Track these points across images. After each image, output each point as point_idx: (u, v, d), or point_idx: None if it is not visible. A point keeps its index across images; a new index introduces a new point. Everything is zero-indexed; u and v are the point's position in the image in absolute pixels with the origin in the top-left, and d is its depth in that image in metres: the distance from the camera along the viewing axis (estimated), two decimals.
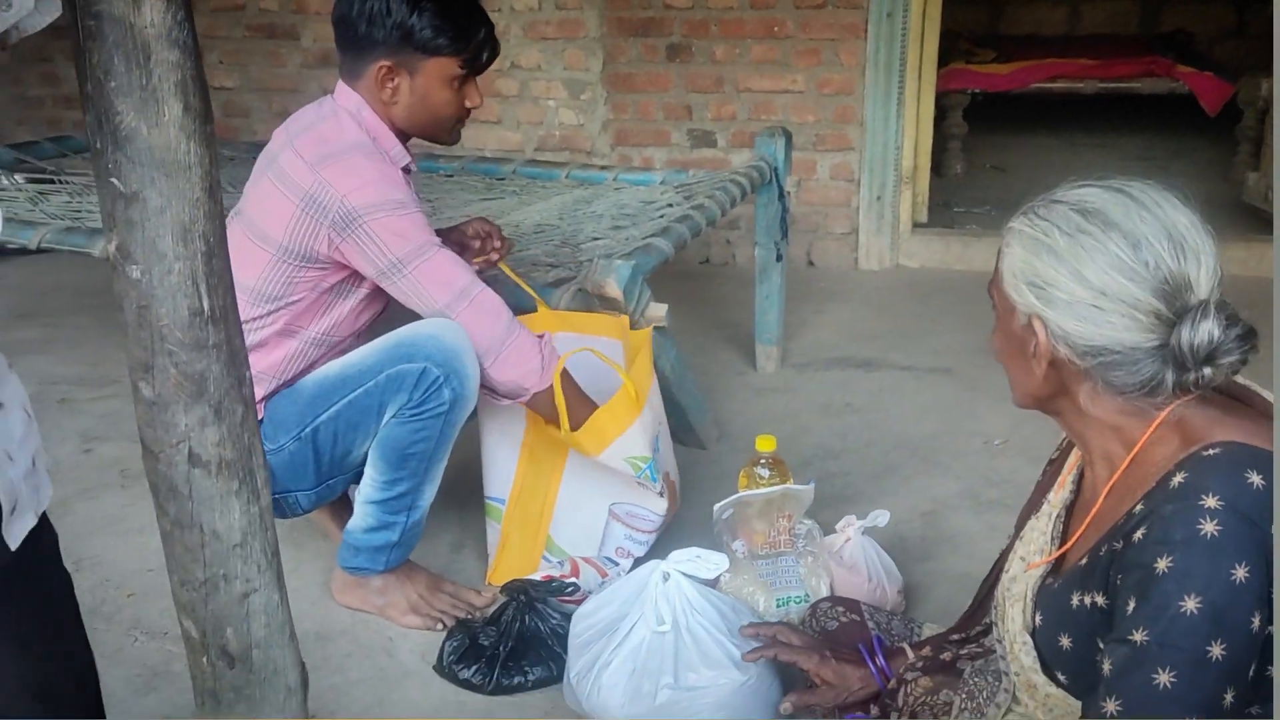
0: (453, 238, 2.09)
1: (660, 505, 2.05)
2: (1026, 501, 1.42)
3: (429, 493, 1.94)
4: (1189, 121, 5.33)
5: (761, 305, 3.03)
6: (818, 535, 1.94)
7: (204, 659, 1.17)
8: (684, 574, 1.69)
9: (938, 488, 2.46)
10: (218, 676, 1.18)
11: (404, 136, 1.93)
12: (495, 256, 2.09)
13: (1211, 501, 1.03)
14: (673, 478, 2.15)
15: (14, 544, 1.04)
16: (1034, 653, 1.24)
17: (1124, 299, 1.10)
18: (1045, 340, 1.15)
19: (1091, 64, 5.15)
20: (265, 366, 1.87)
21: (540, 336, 1.90)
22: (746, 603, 1.83)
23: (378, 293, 1.94)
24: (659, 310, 2.22)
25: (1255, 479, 1.04)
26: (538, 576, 1.96)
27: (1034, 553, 1.30)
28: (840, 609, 1.72)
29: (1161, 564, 1.04)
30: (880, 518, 1.96)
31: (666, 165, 3.87)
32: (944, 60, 4.26)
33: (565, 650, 1.81)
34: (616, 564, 2.07)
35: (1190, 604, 1.02)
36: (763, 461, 2.00)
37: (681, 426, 2.50)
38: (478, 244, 2.09)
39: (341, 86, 1.90)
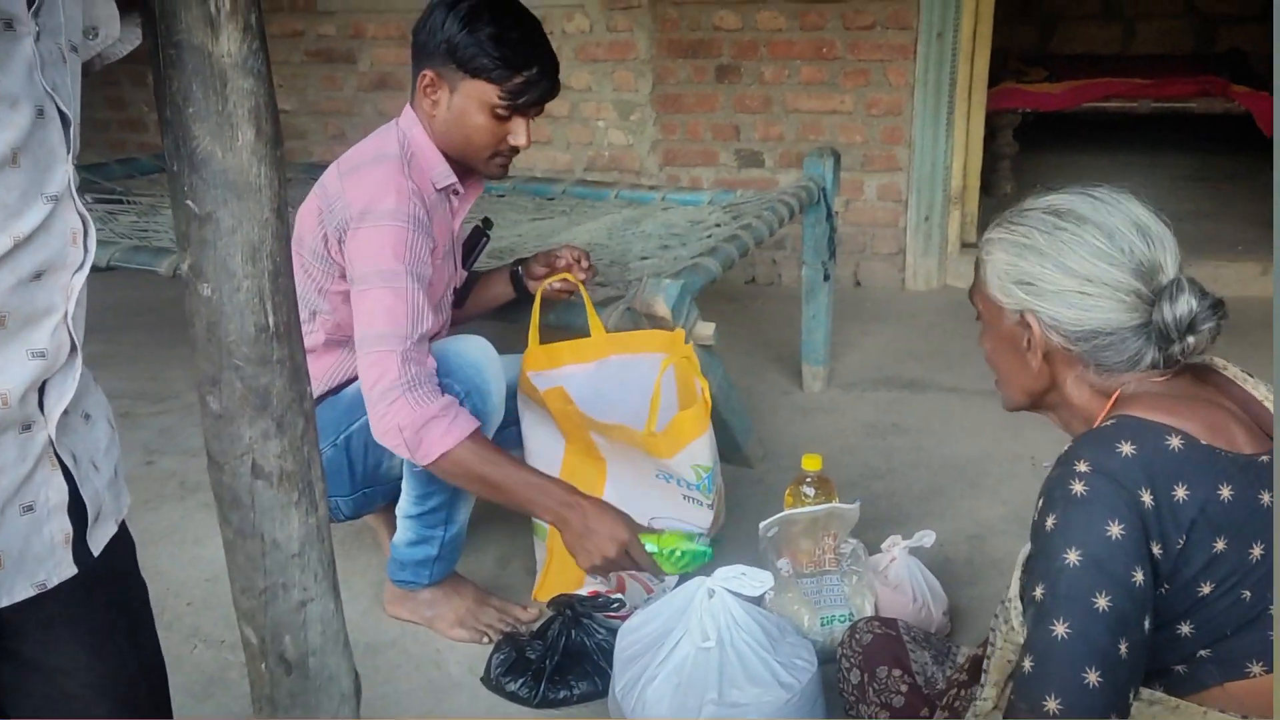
0: (540, 259, 2.11)
1: (705, 518, 2.06)
2: None
3: (464, 507, 1.97)
4: (1245, 142, 5.26)
5: (808, 325, 3.04)
6: (863, 554, 1.94)
7: (262, 665, 1.20)
8: (729, 590, 1.70)
9: (984, 511, 2.45)
10: (275, 682, 1.21)
11: (450, 159, 1.90)
12: (583, 276, 2.09)
13: (1082, 465, 1.14)
14: (722, 495, 2.17)
15: (96, 550, 1.08)
16: (1022, 617, 1.28)
17: (1108, 282, 1.20)
18: (1039, 331, 1.25)
19: (1145, 83, 5.10)
20: (314, 374, 1.91)
21: (443, 404, 1.72)
22: (791, 621, 1.84)
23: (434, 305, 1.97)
24: (707, 329, 2.24)
25: (1126, 448, 1.14)
26: (584, 592, 1.98)
27: None
28: (876, 623, 1.74)
29: (1049, 521, 1.15)
30: (926, 538, 1.96)
31: (714, 185, 3.90)
32: (994, 79, 4.25)
33: (610, 665, 1.83)
34: (662, 579, 2.08)
35: (1072, 556, 1.11)
36: (808, 480, 2.00)
37: (727, 445, 2.52)
38: (564, 263, 2.09)
39: (406, 106, 1.92)
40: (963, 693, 1.48)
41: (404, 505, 1.94)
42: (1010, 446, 2.71)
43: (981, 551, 2.28)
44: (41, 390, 0.99)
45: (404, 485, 1.93)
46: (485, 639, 1.99)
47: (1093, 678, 1.08)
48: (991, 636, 1.40)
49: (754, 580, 1.71)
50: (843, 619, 1.88)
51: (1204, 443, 1.15)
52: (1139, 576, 1.10)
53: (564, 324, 2.21)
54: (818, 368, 3.09)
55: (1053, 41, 6.48)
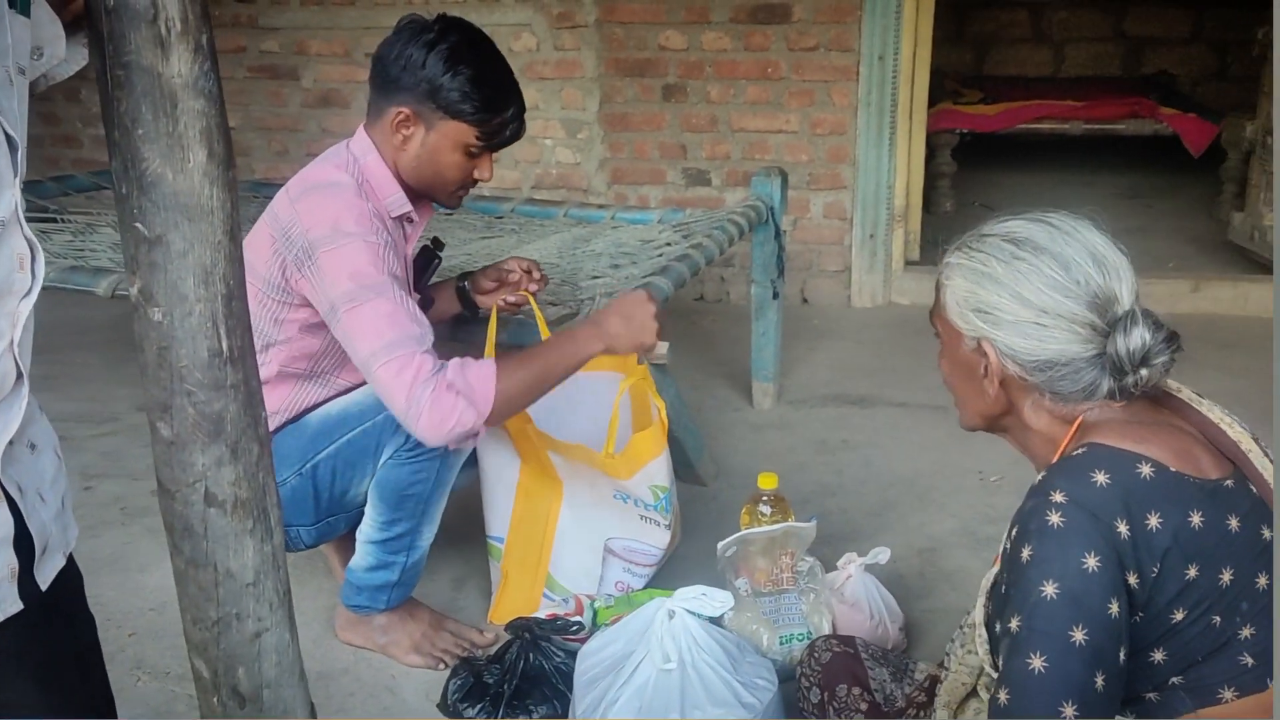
0: (490, 273, 2.11)
1: (662, 538, 2.06)
2: None
3: (428, 533, 1.95)
4: (1174, 161, 5.42)
5: (758, 342, 3.06)
6: (819, 573, 1.95)
7: (214, 699, 1.17)
8: (689, 611, 1.70)
9: (935, 525, 2.48)
10: (228, 717, 1.18)
11: (407, 188, 1.89)
12: (534, 288, 2.10)
13: (1058, 496, 1.13)
14: (678, 512, 2.17)
15: (44, 584, 1.05)
16: (986, 644, 1.29)
17: (1063, 314, 1.20)
18: (996, 360, 1.25)
19: (1077, 105, 5.24)
20: (270, 405, 1.88)
21: (447, 366, 1.70)
22: (750, 640, 1.84)
23: None
24: (661, 348, 2.23)
25: (1100, 477, 1.13)
26: (542, 614, 1.97)
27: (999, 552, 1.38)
28: (834, 642, 1.75)
29: (1025, 553, 1.13)
30: (881, 555, 1.98)
31: (661, 204, 3.91)
32: (932, 101, 4.33)
33: (569, 688, 1.81)
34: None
35: (1049, 589, 1.10)
36: (765, 499, 2.01)
37: (680, 463, 2.52)
38: (516, 277, 2.10)
39: (359, 132, 1.89)
40: (921, 713, 1.49)
41: (367, 530, 1.91)
42: (959, 461, 2.75)
43: (934, 565, 2.31)
44: None
45: (369, 511, 1.91)
46: (441, 665, 1.97)
47: (1069, 711, 1.08)
48: (946, 660, 1.41)
49: (714, 600, 1.71)
50: (801, 637, 1.88)
51: (1173, 469, 1.16)
52: (1115, 608, 1.10)
53: (517, 342, 2.19)
54: (767, 384, 3.11)
55: (986, 64, 6.62)
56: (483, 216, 3.19)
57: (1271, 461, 1.23)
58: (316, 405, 1.94)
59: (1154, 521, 1.12)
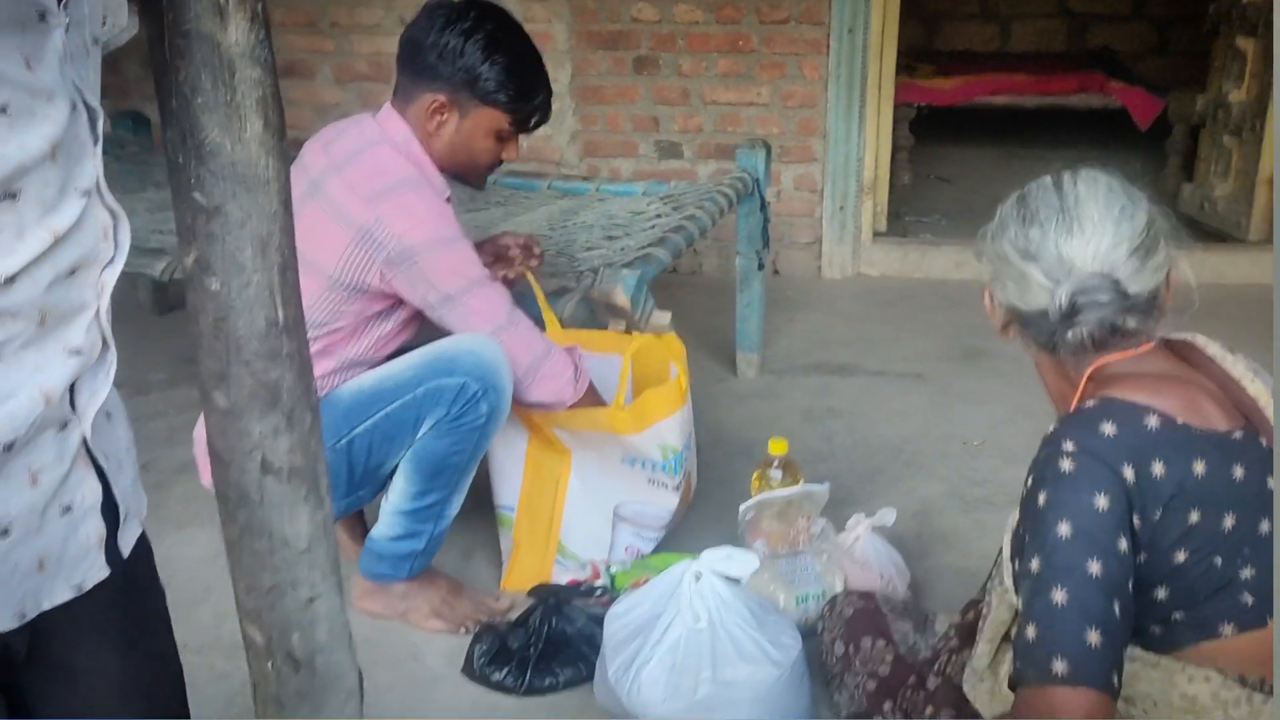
0: (487, 248, 2.12)
1: (672, 501, 2.10)
2: None
3: (457, 503, 1.98)
4: (1120, 136, 5.57)
5: (742, 313, 3.10)
6: (831, 534, 2.01)
7: (268, 664, 1.18)
8: (716, 573, 1.75)
9: (924, 488, 2.55)
10: (282, 681, 1.19)
11: (439, 170, 1.94)
12: (535, 264, 2.14)
13: (1068, 445, 1.22)
14: (692, 480, 2.21)
15: (126, 551, 1.06)
16: (1013, 577, 1.35)
17: (1016, 270, 1.32)
18: (989, 304, 1.42)
19: (1029, 79, 5.35)
20: None
21: (570, 349, 1.95)
22: (769, 599, 1.90)
23: (415, 315, 1.96)
24: (663, 317, 2.28)
25: (1108, 428, 1.22)
26: (563, 581, 2.00)
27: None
28: (856, 596, 1.81)
29: (1041, 498, 1.22)
30: (888, 516, 2.05)
31: (634, 176, 3.93)
32: None
33: (593, 651, 1.85)
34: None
35: (1064, 529, 1.19)
36: (776, 464, 2.06)
37: None
38: (514, 253, 2.13)
39: (389, 111, 1.90)
40: (954, 658, 1.55)
41: (396, 501, 1.93)
42: (941, 427, 2.83)
43: (928, 526, 2.38)
44: (71, 389, 0.96)
45: (399, 482, 1.92)
46: (463, 630, 1.99)
47: (1094, 638, 1.15)
48: (987, 597, 1.48)
49: (740, 561, 1.76)
50: (816, 597, 1.94)
51: (1180, 421, 1.23)
52: (1123, 544, 1.19)
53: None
54: (751, 355, 3.16)
55: (937, 39, 6.72)
56: (466, 190, 3.17)
57: None
58: (345, 380, 1.93)
59: (1158, 469, 1.20)
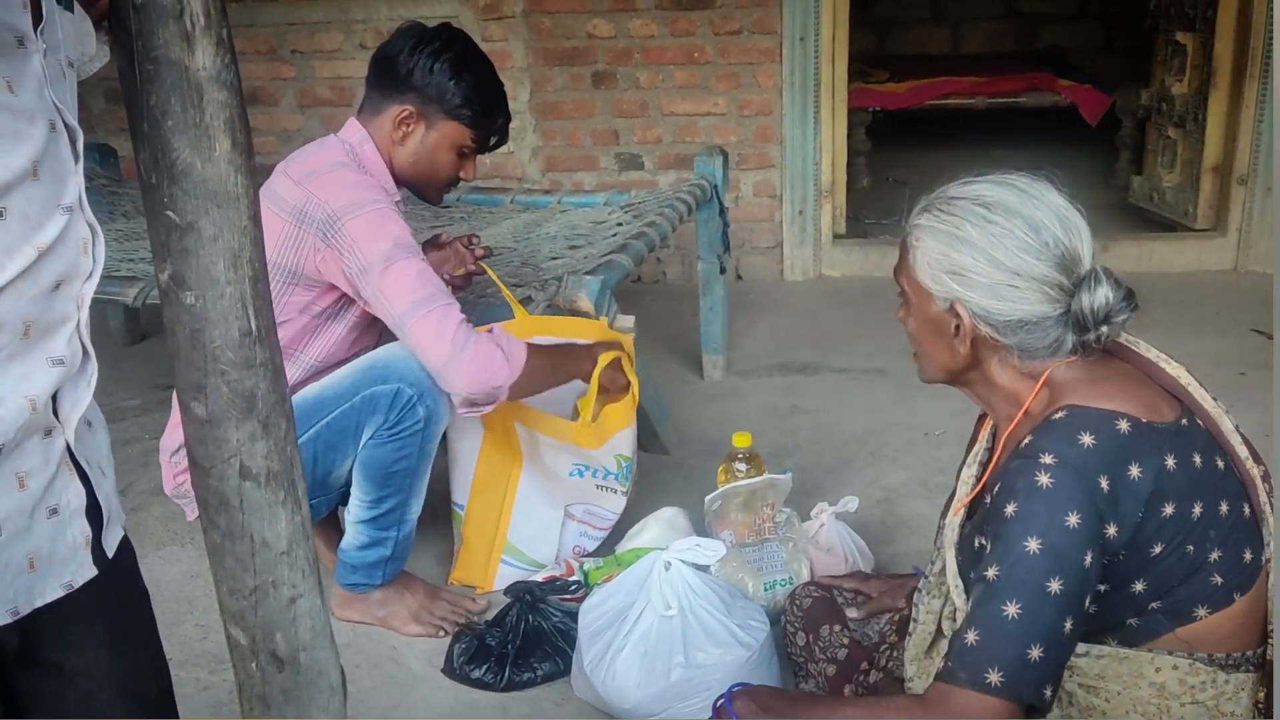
0: (427, 249, 2.17)
1: (618, 504, 2.18)
2: (965, 448, 1.59)
3: (416, 506, 2.02)
4: (1070, 132, 5.70)
5: (706, 316, 3.18)
6: (796, 522, 2.08)
7: (253, 664, 1.22)
8: (684, 561, 1.81)
9: (889, 478, 2.63)
10: (267, 680, 1.24)
11: (396, 182, 2.01)
12: (480, 253, 2.19)
13: (1047, 458, 1.20)
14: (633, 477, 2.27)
15: (111, 551, 1.10)
16: (963, 595, 1.36)
17: (1034, 276, 1.25)
18: (969, 321, 1.30)
19: (979, 81, 5.47)
20: None
21: (489, 330, 1.91)
22: (738, 587, 1.96)
23: (369, 319, 2.01)
24: (627, 321, 2.34)
25: (1086, 439, 1.21)
26: (539, 578, 2.05)
27: (959, 498, 1.43)
28: (812, 588, 1.85)
29: (1009, 509, 1.21)
30: (850, 503, 2.11)
31: (596, 189, 3.99)
32: None
33: (569, 645, 1.91)
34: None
35: (1033, 544, 1.18)
36: (740, 456, 2.13)
37: (646, 433, 2.62)
38: (460, 250, 2.19)
39: (351, 123, 1.99)
40: (893, 652, 1.61)
41: (355, 511, 1.97)
42: (904, 419, 2.91)
43: (891, 513, 2.45)
44: (54, 398, 1.01)
45: (355, 491, 1.96)
46: (441, 632, 2.04)
47: (1035, 653, 1.17)
48: (914, 612, 1.49)
49: (708, 550, 1.82)
50: (783, 583, 2.00)
51: (1144, 420, 1.23)
52: (1089, 559, 1.18)
53: (486, 321, 2.26)
54: (717, 356, 3.23)
55: (889, 43, 6.85)
56: (429, 206, 3.23)
57: (1209, 394, 1.33)
58: (296, 390, 1.98)
59: (1135, 471, 1.20)
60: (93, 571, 1.07)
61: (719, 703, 1.48)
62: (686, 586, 1.79)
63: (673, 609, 1.76)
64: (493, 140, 2.04)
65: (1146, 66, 4.51)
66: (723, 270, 3.10)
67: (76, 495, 1.04)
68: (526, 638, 1.93)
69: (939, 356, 1.37)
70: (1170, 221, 4.26)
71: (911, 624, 1.50)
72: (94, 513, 1.07)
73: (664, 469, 2.66)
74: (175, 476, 2.02)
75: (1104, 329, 1.26)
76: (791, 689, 1.75)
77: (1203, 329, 3.42)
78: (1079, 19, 6.63)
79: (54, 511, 1.02)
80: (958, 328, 1.31)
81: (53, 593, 1.02)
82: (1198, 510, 1.24)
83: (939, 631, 1.45)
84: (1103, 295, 1.25)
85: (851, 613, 1.78)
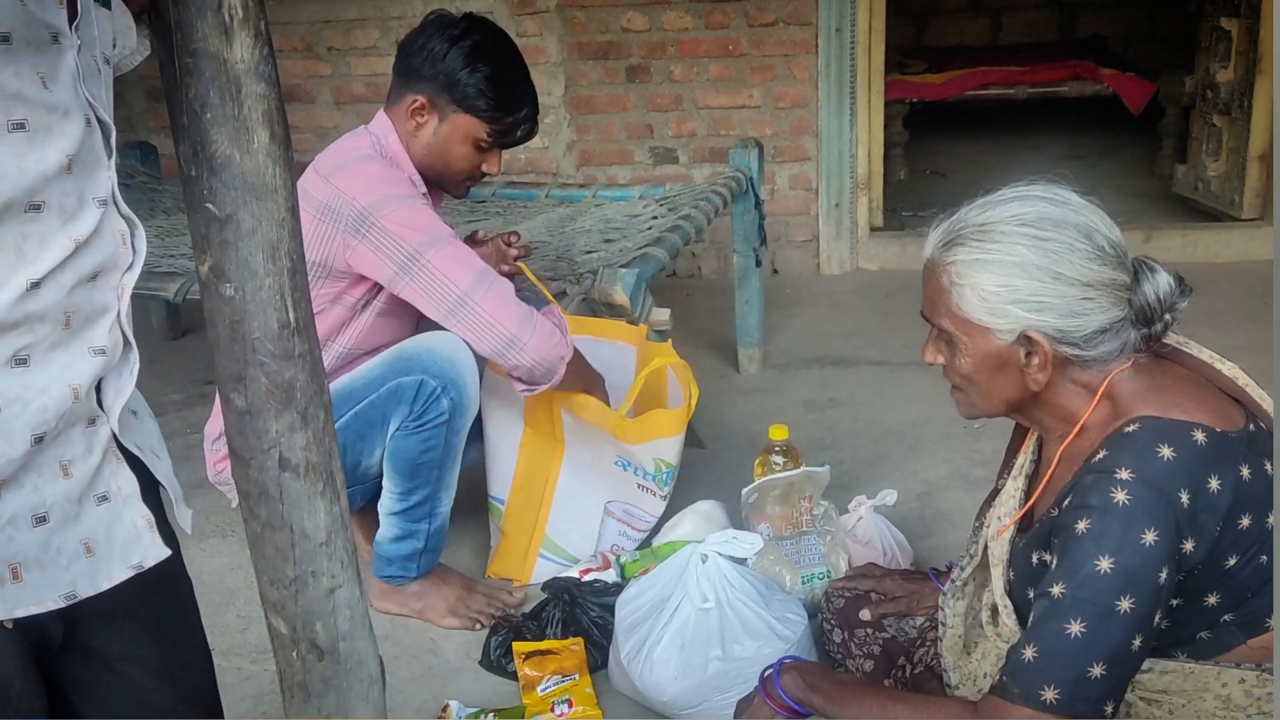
0: (470, 242, 2.18)
1: (657, 508, 2.16)
2: (1004, 455, 1.57)
3: (446, 499, 2.02)
4: (1113, 121, 5.61)
5: (742, 310, 3.16)
6: (834, 515, 2.06)
7: (294, 653, 1.23)
8: (721, 554, 1.80)
9: (928, 471, 2.60)
10: (307, 669, 1.24)
11: (419, 173, 1.99)
12: (516, 254, 2.18)
13: (1124, 474, 1.16)
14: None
15: (188, 528, 1.12)
16: (1014, 615, 1.35)
17: (1104, 282, 1.23)
18: (1049, 346, 1.24)
19: (1020, 70, 5.40)
20: None
21: (545, 309, 1.95)
22: (775, 580, 1.94)
23: (399, 306, 2.01)
24: (662, 314, 2.34)
25: (1165, 451, 1.17)
26: (575, 573, 2.05)
27: (1006, 514, 1.41)
28: (845, 587, 1.83)
29: (1080, 525, 1.17)
30: (889, 496, 2.09)
31: (631, 183, 3.98)
32: None
33: (605, 638, 1.91)
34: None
35: (1104, 564, 1.15)
36: (777, 449, 2.11)
37: None
38: (500, 245, 2.18)
39: (379, 115, 1.98)
40: (934, 649, 1.59)
41: (387, 503, 1.98)
42: (943, 411, 2.86)
43: (931, 507, 2.43)
44: (98, 387, 1.03)
45: (385, 483, 1.97)
46: (477, 625, 2.04)
47: (1098, 670, 1.14)
48: (941, 615, 1.48)
49: (744, 543, 1.81)
50: (821, 576, 1.99)
51: (1219, 430, 1.19)
52: (1164, 575, 1.15)
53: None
54: (753, 350, 3.21)
55: (927, 35, 6.78)
56: (466, 202, 3.24)
57: (1266, 391, 1.30)
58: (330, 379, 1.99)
59: (1214, 484, 1.17)
60: (165, 552, 1.08)
61: (767, 673, 1.47)
62: (724, 579, 1.79)
63: (710, 601, 1.76)
64: (518, 134, 1.98)
65: (1190, 53, 4.43)
66: (758, 263, 3.08)
67: (128, 481, 1.06)
68: (564, 630, 1.93)
69: (1002, 391, 1.30)
70: (1216, 211, 4.18)
71: (940, 627, 1.49)
72: (154, 497, 1.09)
73: (700, 462, 2.65)
74: (216, 463, 2.05)
75: (1167, 316, 1.24)
76: (842, 673, 1.73)
77: (1252, 319, 3.36)
78: (1121, 6, 6.52)
79: (104, 498, 1.03)
80: (1029, 355, 1.25)
81: (120, 574, 1.04)
82: (1271, 519, 1.21)
83: (970, 629, 1.44)
84: (1164, 281, 1.23)
85: (864, 614, 1.75)
